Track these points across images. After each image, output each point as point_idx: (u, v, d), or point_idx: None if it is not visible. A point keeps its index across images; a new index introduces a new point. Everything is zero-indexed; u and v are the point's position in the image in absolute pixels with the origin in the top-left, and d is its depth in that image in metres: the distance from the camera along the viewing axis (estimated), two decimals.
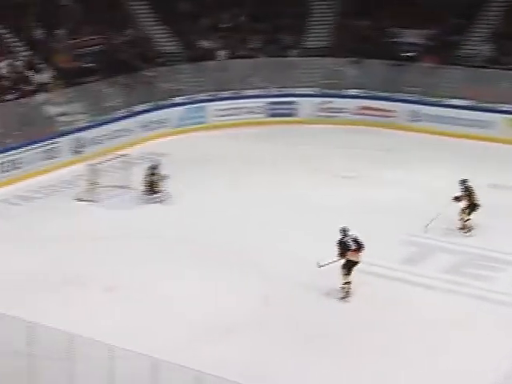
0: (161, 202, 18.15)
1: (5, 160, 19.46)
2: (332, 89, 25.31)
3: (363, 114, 24.80)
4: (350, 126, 24.21)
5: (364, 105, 24.85)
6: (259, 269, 14.57)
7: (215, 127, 24.04)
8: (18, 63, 22.55)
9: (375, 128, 22.79)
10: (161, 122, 23.75)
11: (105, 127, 22.14)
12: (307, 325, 12.71)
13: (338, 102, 25.04)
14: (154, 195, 18.21)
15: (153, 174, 18.31)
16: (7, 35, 23.27)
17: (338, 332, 12.52)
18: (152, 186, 18.27)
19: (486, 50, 24.85)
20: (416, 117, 24.18)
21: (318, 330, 12.55)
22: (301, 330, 12.51)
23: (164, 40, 26.42)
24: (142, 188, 18.30)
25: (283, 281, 14.14)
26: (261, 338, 12.31)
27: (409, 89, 24.40)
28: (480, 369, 11.45)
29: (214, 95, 24.82)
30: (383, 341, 12.25)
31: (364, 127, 23.90)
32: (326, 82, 25.36)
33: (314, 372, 11.40)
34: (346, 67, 25.49)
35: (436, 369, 11.50)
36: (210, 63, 25.24)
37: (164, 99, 24.12)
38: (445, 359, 11.75)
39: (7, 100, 20.82)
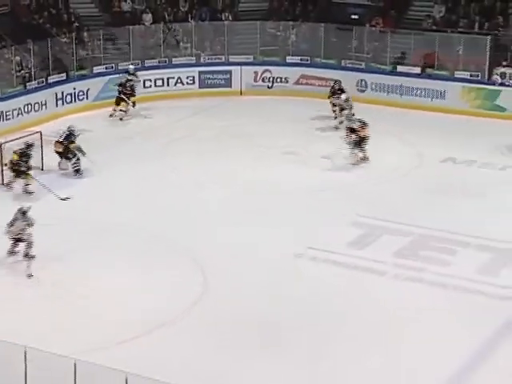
0: (75, 183, 17.88)
1: None
2: (270, 56, 25.24)
3: (304, 84, 24.85)
4: (290, 97, 24.23)
5: (305, 73, 24.89)
6: (196, 257, 14.46)
7: (142, 100, 23.69)
8: None
9: (317, 99, 22.86)
10: (79, 95, 23.28)
11: (13, 101, 21.55)
12: (255, 317, 12.67)
13: (276, 71, 25.02)
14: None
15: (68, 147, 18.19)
16: None
17: (288, 324, 12.52)
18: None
19: (436, 11, 25.16)
20: (362, 86, 24.36)
21: (262, 322, 12.53)
22: (248, 323, 12.46)
23: (80, 1, 25.82)
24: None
25: (223, 271, 14.06)
26: (199, 334, 12.22)
27: (355, 55, 24.54)
28: (437, 363, 11.62)
29: (139, 64, 24.44)
30: (331, 333, 12.30)
31: (305, 98, 23.95)
32: (263, 48, 25.28)
33: (259, 368, 11.36)
34: (285, 32, 25.43)
35: (388, 363, 11.63)
36: (134, 28, 24.82)
37: (82, 68, 23.64)
38: (398, 352, 11.90)
39: None
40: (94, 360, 9.92)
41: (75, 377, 9.47)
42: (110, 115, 22.37)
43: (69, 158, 18.39)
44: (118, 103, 22.47)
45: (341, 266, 14.41)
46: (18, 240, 13.94)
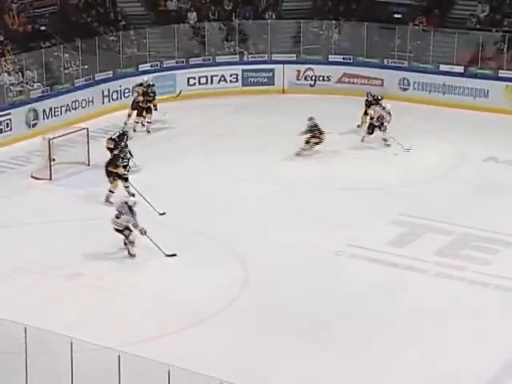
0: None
1: None
2: (312, 55, 25.20)
3: (347, 83, 24.75)
4: (331, 96, 24.15)
5: (347, 72, 24.80)
6: (236, 253, 14.54)
7: (186, 97, 23.83)
8: None
9: (360, 98, 22.78)
10: (125, 92, 23.51)
11: (62, 97, 21.84)
12: (294, 312, 12.72)
13: (318, 69, 24.96)
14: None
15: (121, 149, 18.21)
16: None
17: (327, 319, 12.54)
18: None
19: (480, 10, 24.86)
20: (404, 85, 24.18)
21: (301, 317, 12.57)
22: (288, 318, 12.51)
23: (127, 0, 26.07)
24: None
25: (262, 267, 14.11)
26: (240, 327, 12.29)
27: (397, 54, 24.38)
28: (477, 361, 11.54)
29: (184, 62, 24.60)
30: (372, 329, 12.28)
31: (347, 97, 23.87)
32: (306, 47, 25.24)
33: (299, 361, 11.40)
34: (327, 30, 25.35)
35: (427, 360, 11.58)
36: (179, 26, 24.98)
37: (128, 66, 23.87)
38: (438, 350, 11.84)
39: None
40: (137, 352, 10.04)
41: (119, 369, 9.60)
42: (134, 129, 20.56)
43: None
44: (140, 113, 21.10)
45: (381, 263, 14.37)
46: (122, 230, 14.28)
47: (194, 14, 25.93)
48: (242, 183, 17.83)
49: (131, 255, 14.35)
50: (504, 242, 15.12)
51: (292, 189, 17.55)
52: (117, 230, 14.31)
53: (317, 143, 19.54)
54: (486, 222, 15.74)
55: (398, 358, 11.60)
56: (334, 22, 25.45)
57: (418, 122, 21.69)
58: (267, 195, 17.22)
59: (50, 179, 18.02)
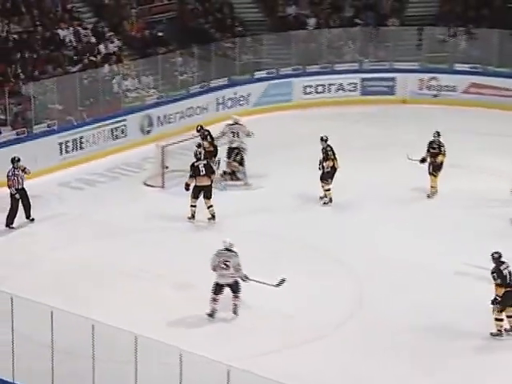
0: (239, 189, 18.28)
1: (66, 140, 19.94)
2: (438, 63, 24.83)
3: (474, 93, 24.25)
4: (457, 107, 23.70)
5: (476, 82, 24.29)
6: (347, 268, 14.50)
7: (301, 106, 23.97)
8: (82, 31, 23.09)
9: (489, 109, 22.24)
10: (239, 100, 23.88)
11: (177, 104, 22.39)
12: (403, 333, 12.57)
13: (443, 79, 24.57)
14: (233, 181, 18.32)
15: (235, 159, 18.46)
16: (71, 0, 23.86)
17: (438, 341, 12.30)
18: (233, 171, 18.47)
19: None
20: None
21: (415, 339, 12.39)
22: (403, 343, 12.36)
23: (244, 6, 26.52)
24: (220, 172, 18.46)
25: (376, 284, 14.03)
26: (352, 346, 12.27)
27: None
28: None
29: (300, 69, 24.77)
30: (487, 359, 11.96)
31: (475, 108, 23.36)
32: (430, 55, 24.90)
33: None
34: (454, 38, 24.94)
35: None
36: (297, 33, 25.16)
37: (243, 73, 24.23)
38: None
39: (70, 72, 21.33)
40: (246, 367, 10.15)
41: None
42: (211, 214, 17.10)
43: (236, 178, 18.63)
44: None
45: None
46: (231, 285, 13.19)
47: (314, 20, 26.08)
48: (355, 197, 17.71)
49: (235, 314, 13.14)
50: None
51: (409, 202, 17.31)
52: (222, 288, 12.94)
53: (333, 168, 17.50)
54: None
55: None
56: (461, 28, 25.01)
57: None
58: (381, 208, 17.06)
59: (163, 187, 18.48)
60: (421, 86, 24.76)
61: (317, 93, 24.76)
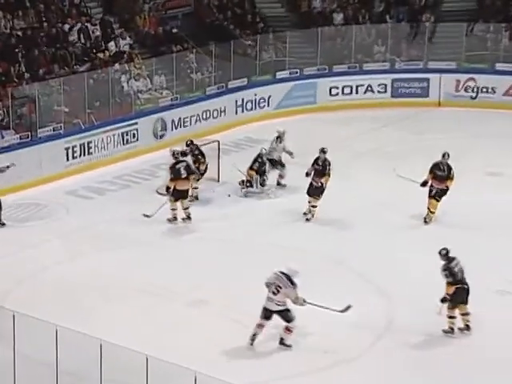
0: (260, 198, 18.31)
1: (73, 144, 20.03)
2: (476, 63, 24.77)
3: None
4: (497, 110, 23.64)
5: None
6: (377, 287, 14.49)
7: (327, 109, 23.99)
8: (91, 27, 23.24)
9: None
10: (259, 102, 23.93)
11: (192, 106, 22.46)
12: (437, 356, 12.51)
13: (482, 80, 24.50)
14: (255, 189, 18.42)
15: (257, 165, 18.50)
16: None
17: (466, 370, 12.20)
18: (248, 180, 18.51)
19: None
20: None
21: (444, 367, 12.32)
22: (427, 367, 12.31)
23: (266, 1, 26.60)
24: (240, 180, 18.55)
25: (408, 304, 13.98)
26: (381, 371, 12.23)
27: None
28: None
29: (326, 69, 24.79)
30: None
31: None
32: (468, 53, 24.85)
33: None
34: (495, 34, 24.86)
35: None
36: (323, 29, 25.21)
37: (264, 74, 24.29)
38: None
39: (77, 72, 21.45)
40: None
41: None
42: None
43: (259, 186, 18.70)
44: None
45: None
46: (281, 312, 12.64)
47: (341, 15, 26.10)
48: (385, 207, 17.66)
49: (287, 345, 12.68)
50: None
51: (444, 215, 17.18)
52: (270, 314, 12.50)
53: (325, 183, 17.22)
54: None
55: None
56: (503, 24, 24.92)
57: None
58: (414, 223, 17.01)
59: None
60: (457, 87, 24.71)
61: (343, 95, 24.77)
